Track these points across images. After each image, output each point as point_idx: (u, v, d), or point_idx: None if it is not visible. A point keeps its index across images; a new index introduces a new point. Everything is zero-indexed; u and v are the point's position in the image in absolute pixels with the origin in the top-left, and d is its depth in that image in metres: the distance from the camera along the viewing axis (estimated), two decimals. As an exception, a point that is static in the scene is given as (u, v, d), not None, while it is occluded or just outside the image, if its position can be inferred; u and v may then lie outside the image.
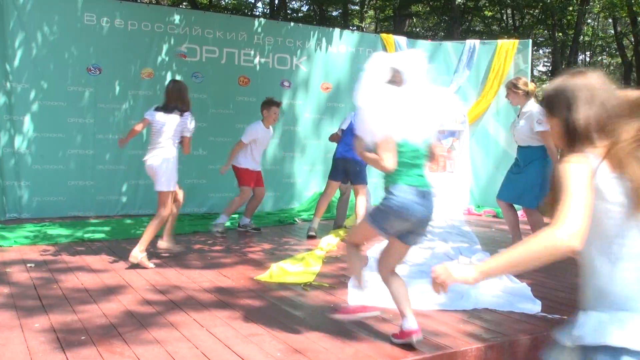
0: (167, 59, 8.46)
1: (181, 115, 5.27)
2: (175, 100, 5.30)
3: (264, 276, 4.74)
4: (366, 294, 4.13)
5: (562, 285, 4.60)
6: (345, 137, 6.61)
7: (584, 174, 1.66)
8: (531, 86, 5.64)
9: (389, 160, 3.04)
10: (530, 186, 5.46)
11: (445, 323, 3.54)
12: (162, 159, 5.24)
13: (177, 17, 8.54)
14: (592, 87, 1.78)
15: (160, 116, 5.28)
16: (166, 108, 5.29)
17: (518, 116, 5.79)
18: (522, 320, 3.63)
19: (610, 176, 1.68)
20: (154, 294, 4.17)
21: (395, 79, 3.16)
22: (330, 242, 6.22)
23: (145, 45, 8.32)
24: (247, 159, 6.94)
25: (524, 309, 3.82)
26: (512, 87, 5.68)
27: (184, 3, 20.86)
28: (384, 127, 3.04)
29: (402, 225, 3.11)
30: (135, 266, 5.05)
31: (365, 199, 6.72)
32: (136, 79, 8.29)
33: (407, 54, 3.31)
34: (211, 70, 8.70)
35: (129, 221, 7.64)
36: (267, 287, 4.43)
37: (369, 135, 3.10)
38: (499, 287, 4.29)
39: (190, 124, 5.33)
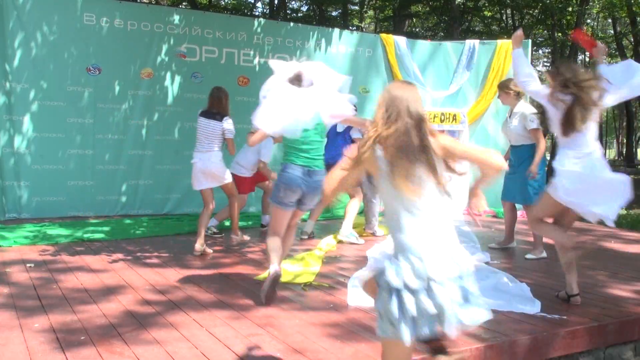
0: (166, 59, 8.45)
1: (221, 119, 5.75)
2: (215, 106, 5.85)
3: (263, 276, 4.74)
4: (364, 294, 4.14)
5: (561, 285, 4.59)
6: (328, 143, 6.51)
7: None
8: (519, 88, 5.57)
9: (251, 140, 4.30)
10: (526, 184, 5.62)
11: (444, 323, 3.54)
12: (211, 161, 5.75)
13: (176, 17, 8.54)
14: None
15: (202, 121, 5.85)
16: (207, 113, 5.87)
17: (509, 116, 5.92)
18: (522, 320, 3.63)
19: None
20: (153, 294, 4.17)
21: (297, 80, 4.00)
22: (329, 243, 6.22)
23: (144, 45, 8.32)
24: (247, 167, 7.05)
25: (523, 309, 3.82)
26: (504, 87, 5.88)
27: (184, 3, 20.85)
28: (262, 116, 3.89)
29: (291, 195, 4.07)
30: (135, 266, 5.06)
31: (357, 202, 6.69)
32: (136, 79, 8.29)
33: (313, 65, 4.26)
34: (211, 71, 8.70)
35: (128, 221, 7.64)
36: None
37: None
38: (499, 288, 4.29)
39: (229, 126, 5.79)
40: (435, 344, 2.57)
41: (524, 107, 5.77)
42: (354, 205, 6.64)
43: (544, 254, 5.71)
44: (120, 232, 6.82)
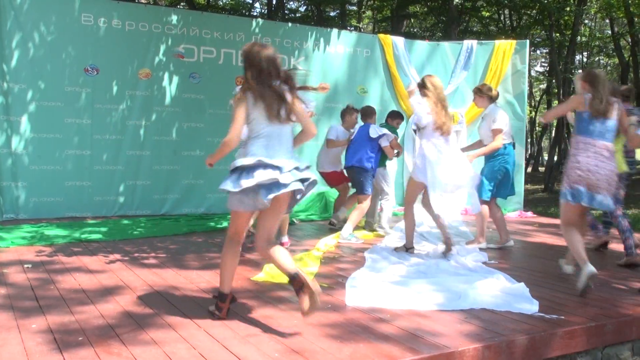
0: (164, 59, 8.45)
1: None
2: None
3: (260, 277, 4.74)
4: (363, 294, 4.15)
5: (559, 285, 4.61)
6: (351, 146, 7.03)
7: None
8: (494, 92, 6.29)
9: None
10: (486, 179, 6.07)
11: (443, 323, 3.55)
12: None
13: (174, 18, 8.54)
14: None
15: None
16: None
17: (482, 118, 6.34)
18: (520, 320, 3.63)
19: None
20: (151, 295, 4.16)
21: None
22: (327, 243, 6.23)
23: (142, 46, 8.32)
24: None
25: (521, 309, 3.82)
26: (478, 92, 6.32)
27: (182, 3, 20.84)
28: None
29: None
30: (132, 267, 5.06)
31: (363, 209, 6.82)
32: (133, 80, 8.29)
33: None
34: (209, 71, 8.70)
35: (126, 222, 7.63)
36: (264, 288, 4.43)
37: None
38: (497, 288, 4.30)
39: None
40: (297, 283, 3.34)
41: (492, 109, 6.16)
42: (359, 211, 6.81)
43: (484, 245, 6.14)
44: (118, 233, 6.82)
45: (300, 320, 3.58)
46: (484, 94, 6.20)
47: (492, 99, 6.21)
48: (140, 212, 8.32)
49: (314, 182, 3.60)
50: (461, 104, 9.91)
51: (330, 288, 4.40)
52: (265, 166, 3.37)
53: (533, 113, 28.99)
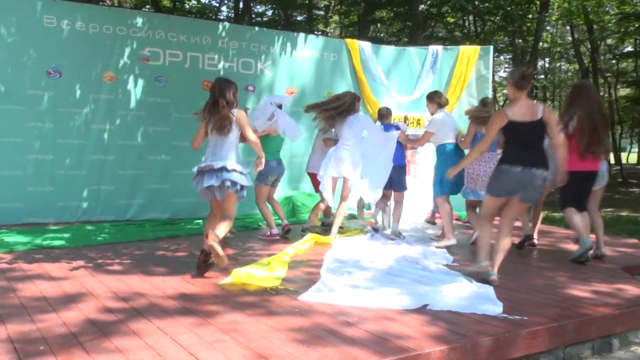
0: (129, 62, 8.34)
1: None
2: None
3: (227, 281, 4.71)
4: (325, 295, 4.18)
5: (522, 286, 4.69)
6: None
7: None
8: (443, 98, 7.00)
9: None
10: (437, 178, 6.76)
11: (409, 326, 3.57)
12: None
13: (139, 20, 8.43)
14: None
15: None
16: None
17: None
18: (484, 321, 3.68)
19: None
20: (115, 302, 4.10)
21: None
22: (297, 247, 6.17)
23: (106, 49, 8.19)
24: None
25: (485, 311, 3.88)
26: (428, 98, 7.05)
27: (147, 6, 20.62)
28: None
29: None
30: (96, 273, 4.97)
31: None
32: (97, 83, 8.16)
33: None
34: (174, 74, 8.62)
35: (89, 227, 7.50)
36: (231, 293, 4.40)
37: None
38: (463, 290, 4.35)
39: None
40: (204, 258, 4.96)
41: (435, 114, 6.89)
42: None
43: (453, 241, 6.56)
44: (82, 239, 6.69)
45: (267, 325, 3.57)
46: (433, 100, 6.94)
47: (440, 106, 6.90)
48: (104, 218, 8.19)
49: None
50: (425, 108, 10.00)
51: (297, 292, 4.40)
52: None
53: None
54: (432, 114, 7.03)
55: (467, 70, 10.26)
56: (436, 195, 6.84)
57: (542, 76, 31.24)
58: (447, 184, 6.54)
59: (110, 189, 8.26)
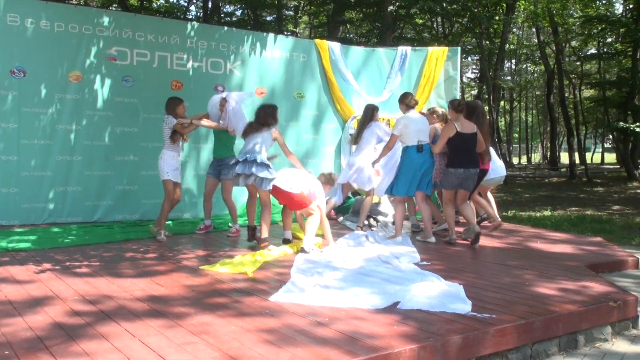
0: (95, 61, 8.21)
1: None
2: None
3: (208, 266, 5.16)
4: (296, 296, 4.19)
5: (491, 285, 4.75)
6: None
7: None
8: (411, 100, 7.12)
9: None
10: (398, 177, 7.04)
11: (379, 325, 3.59)
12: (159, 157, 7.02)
13: (106, 19, 8.31)
14: None
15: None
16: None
17: None
18: (454, 320, 3.72)
19: None
20: (83, 305, 4.03)
21: None
22: (287, 252, 6.10)
23: (72, 48, 8.06)
24: None
25: (455, 310, 3.92)
26: (400, 101, 7.20)
27: (114, 5, 20.34)
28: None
29: None
30: (63, 276, 4.88)
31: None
32: (63, 82, 8.02)
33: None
34: (142, 74, 8.52)
35: (56, 229, 7.37)
36: (201, 294, 4.37)
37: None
38: (433, 289, 4.39)
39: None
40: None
41: (401, 116, 7.10)
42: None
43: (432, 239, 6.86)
44: (48, 241, 6.56)
45: (238, 326, 3.55)
46: (404, 103, 7.12)
47: (408, 107, 7.07)
48: (71, 220, 8.05)
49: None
50: (397, 110, 10.06)
51: (267, 293, 4.39)
52: None
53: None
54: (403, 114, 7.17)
55: (436, 71, 10.36)
56: (396, 194, 7.02)
57: (509, 77, 31.78)
58: (404, 185, 6.89)
59: (77, 190, 8.13)
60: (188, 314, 3.84)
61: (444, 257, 6.08)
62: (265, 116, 6.53)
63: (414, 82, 10.42)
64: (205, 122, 7.15)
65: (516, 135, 56.03)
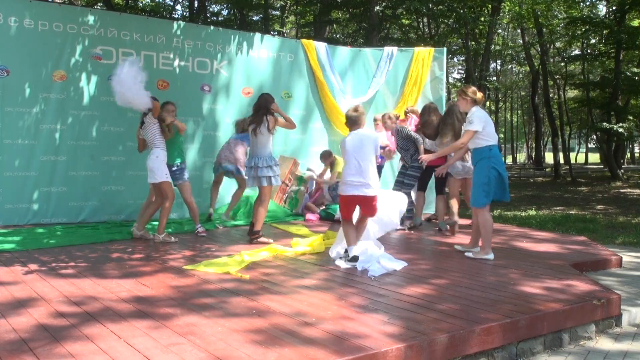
0: (81, 60, 8.15)
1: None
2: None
3: (192, 266, 5.14)
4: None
5: (477, 284, 4.78)
6: None
7: None
8: (479, 95, 6.02)
9: None
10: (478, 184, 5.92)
11: (366, 325, 3.60)
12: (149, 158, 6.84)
13: (91, 18, 8.24)
14: None
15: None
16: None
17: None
18: (440, 319, 3.73)
19: None
20: (68, 306, 3.99)
21: None
22: (255, 254, 6.06)
23: (57, 47, 7.99)
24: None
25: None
26: (461, 93, 6.09)
27: (99, 4, 20.18)
28: None
29: None
30: (48, 277, 4.84)
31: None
32: (47, 82, 7.94)
33: None
34: (128, 74, 8.44)
35: (40, 230, 7.30)
36: (187, 295, 4.34)
37: None
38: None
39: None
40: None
41: (471, 111, 5.94)
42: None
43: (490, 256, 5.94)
44: (32, 242, 6.50)
45: (225, 327, 3.54)
46: (465, 95, 6.01)
47: (476, 102, 6.00)
48: (55, 220, 7.98)
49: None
50: (383, 109, 10.10)
51: (255, 294, 4.38)
52: None
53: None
54: (465, 111, 6.16)
55: (423, 72, 10.39)
56: (476, 205, 6.01)
57: (494, 78, 31.94)
58: (496, 191, 5.87)
59: (61, 191, 8.05)
60: (174, 314, 3.82)
61: (429, 257, 6.10)
62: (258, 107, 6.77)
63: (401, 83, 10.45)
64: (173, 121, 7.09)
65: (502, 135, 56.39)
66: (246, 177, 7.22)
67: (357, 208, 5.77)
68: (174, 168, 7.00)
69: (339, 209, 6.15)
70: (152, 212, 6.96)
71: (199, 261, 5.57)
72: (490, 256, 5.89)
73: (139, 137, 6.94)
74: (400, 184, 7.97)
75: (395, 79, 10.46)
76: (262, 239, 6.72)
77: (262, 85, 9.57)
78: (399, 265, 5.43)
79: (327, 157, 9.38)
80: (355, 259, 5.54)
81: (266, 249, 6.14)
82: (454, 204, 7.68)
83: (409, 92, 10.29)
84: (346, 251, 5.74)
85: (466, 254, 6.04)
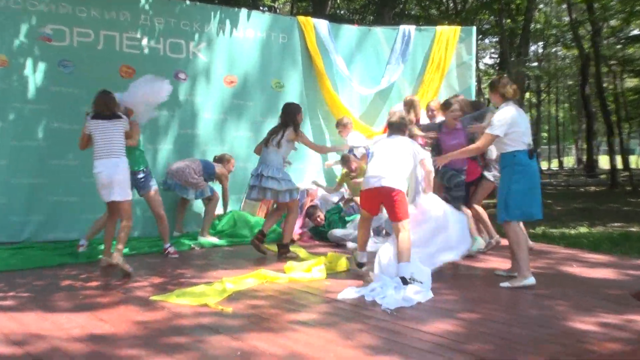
0: (26, 42, 8.17)
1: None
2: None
3: (160, 296, 5.05)
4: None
5: (516, 319, 4.75)
6: None
7: None
8: (509, 89, 6.07)
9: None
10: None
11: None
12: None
13: (39, -9, 8.27)
14: None
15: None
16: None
17: None
18: (470, 363, 3.70)
19: None
20: (6, 347, 3.97)
21: None
22: (241, 281, 6.04)
23: (-4, 25, 8.02)
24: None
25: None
26: (490, 86, 6.38)
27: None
28: None
29: None
30: (-17, 310, 4.82)
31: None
32: (-16, 68, 7.97)
33: None
34: (85, 58, 8.47)
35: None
36: (156, 333, 4.32)
37: None
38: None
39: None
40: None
41: (498, 110, 6.09)
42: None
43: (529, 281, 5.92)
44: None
45: (202, 372, 3.51)
46: (495, 90, 6.17)
47: (505, 98, 6.10)
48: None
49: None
50: (397, 101, 10.09)
51: (239, 331, 4.35)
52: None
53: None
54: (496, 107, 6.36)
55: (446, 56, 10.41)
56: (501, 220, 6.12)
57: (535, 64, 31.95)
58: (520, 205, 5.96)
59: (1, 203, 8.03)
60: (139, 357, 3.79)
61: (457, 284, 6.06)
62: (284, 116, 7.47)
63: (420, 69, 10.47)
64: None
65: (545, 134, 56.51)
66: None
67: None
68: (140, 175, 7.00)
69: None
70: (112, 232, 6.93)
71: (170, 290, 5.54)
72: (530, 280, 5.84)
73: (85, 133, 6.82)
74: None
75: (413, 65, 10.47)
76: (290, 255, 7.28)
77: (248, 73, 9.59)
78: (423, 296, 5.39)
79: (346, 162, 9.16)
80: (360, 265, 6.29)
81: (253, 274, 6.11)
82: (484, 217, 7.73)
83: (430, 81, 10.29)
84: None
85: (501, 284, 5.98)
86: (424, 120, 8.61)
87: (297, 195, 7.56)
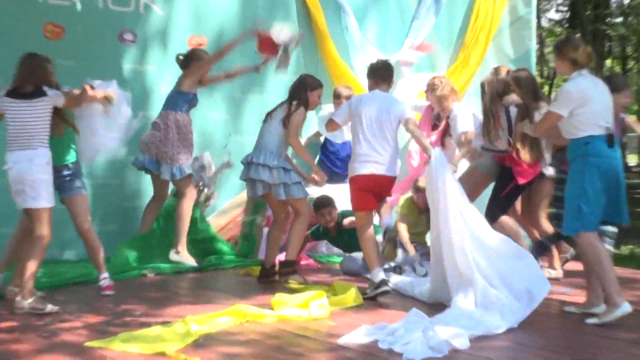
0: None
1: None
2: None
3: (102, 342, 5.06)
4: None
5: (553, 344, 4.78)
6: None
7: None
8: (581, 53, 6.10)
9: None
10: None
11: None
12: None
13: None
14: None
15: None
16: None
17: None
18: None
19: None
20: None
21: None
22: (214, 321, 6.04)
23: None
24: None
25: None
26: (554, 50, 6.53)
27: None
28: None
29: None
30: None
31: None
32: None
33: None
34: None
35: None
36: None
37: None
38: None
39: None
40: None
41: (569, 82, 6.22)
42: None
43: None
44: None
45: None
46: (563, 54, 6.23)
47: (575, 65, 6.14)
48: None
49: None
50: (430, 71, 10.08)
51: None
52: None
53: (547, 88, 29.92)
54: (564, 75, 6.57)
55: (495, 10, 10.40)
56: (572, 232, 6.22)
57: (620, 19, 31.72)
58: (595, 211, 5.98)
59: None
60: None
61: (529, 328, 5.97)
62: (292, 89, 7.71)
63: (459, 28, 10.46)
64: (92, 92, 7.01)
65: (633, 115, 56.47)
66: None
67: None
68: (64, 172, 6.80)
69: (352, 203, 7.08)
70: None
71: (113, 333, 5.53)
72: (625, 307, 5.77)
73: None
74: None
75: (450, 21, 10.47)
76: (295, 278, 7.30)
77: (222, 33, 9.59)
78: (460, 341, 5.36)
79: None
80: (383, 283, 6.65)
81: (229, 312, 6.10)
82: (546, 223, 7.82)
83: (473, 44, 10.28)
84: None
85: (587, 320, 5.97)
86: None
87: (301, 194, 7.35)
